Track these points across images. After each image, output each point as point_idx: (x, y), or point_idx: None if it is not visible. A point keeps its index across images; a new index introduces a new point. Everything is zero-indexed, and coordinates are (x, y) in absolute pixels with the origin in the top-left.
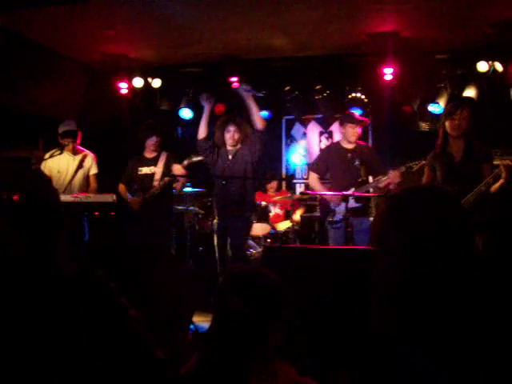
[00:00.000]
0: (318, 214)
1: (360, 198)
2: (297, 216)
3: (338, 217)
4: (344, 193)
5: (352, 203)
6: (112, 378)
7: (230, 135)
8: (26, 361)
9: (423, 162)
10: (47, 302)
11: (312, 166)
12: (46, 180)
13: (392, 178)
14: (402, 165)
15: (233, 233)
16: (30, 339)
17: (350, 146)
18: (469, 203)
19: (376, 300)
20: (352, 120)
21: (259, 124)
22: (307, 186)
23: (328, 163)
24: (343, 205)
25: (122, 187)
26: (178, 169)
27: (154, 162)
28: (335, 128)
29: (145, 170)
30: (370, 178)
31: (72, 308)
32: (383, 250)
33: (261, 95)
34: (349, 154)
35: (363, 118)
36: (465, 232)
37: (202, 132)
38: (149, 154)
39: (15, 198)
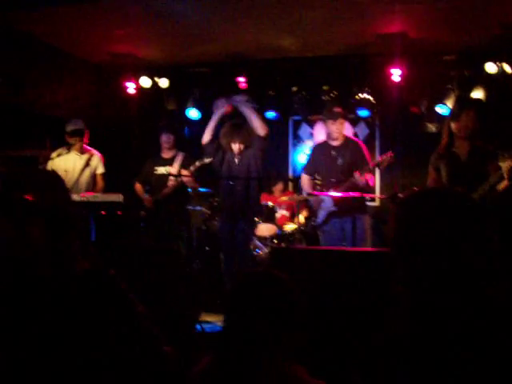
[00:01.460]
0: None
1: (336, 200)
2: (302, 217)
3: (319, 220)
4: (350, 194)
5: (330, 206)
6: (121, 374)
7: (237, 147)
8: (36, 354)
9: (389, 156)
10: (57, 299)
11: (303, 167)
12: (60, 180)
13: (356, 180)
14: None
15: (238, 234)
16: (39, 336)
17: (335, 143)
18: None
19: (393, 300)
20: (331, 115)
21: (259, 131)
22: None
23: (315, 163)
24: (324, 207)
25: (138, 186)
26: (187, 180)
27: (170, 162)
28: (317, 129)
29: (161, 169)
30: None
31: (81, 304)
32: (397, 253)
33: (251, 108)
34: (333, 152)
35: (341, 111)
36: (479, 231)
37: (206, 136)
38: (165, 154)
39: (28, 197)
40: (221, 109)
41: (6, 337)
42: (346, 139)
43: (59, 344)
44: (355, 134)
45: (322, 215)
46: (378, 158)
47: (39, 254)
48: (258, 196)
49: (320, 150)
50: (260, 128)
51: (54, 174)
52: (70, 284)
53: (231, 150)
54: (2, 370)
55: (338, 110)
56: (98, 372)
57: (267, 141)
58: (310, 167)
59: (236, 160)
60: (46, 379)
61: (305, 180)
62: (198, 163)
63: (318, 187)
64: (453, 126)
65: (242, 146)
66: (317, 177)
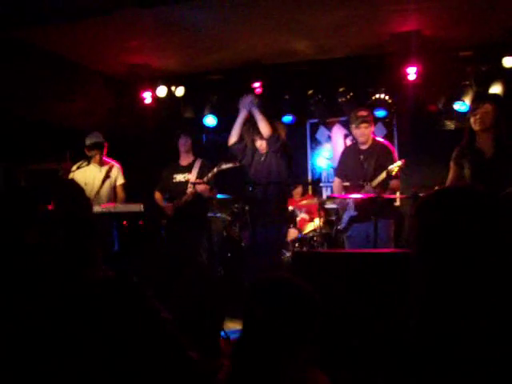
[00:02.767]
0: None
1: (357, 205)
2: (318, 220)
3: (343, 225)
4: (371, 194)
5: (351, 211)
6: (147, 380)
7: (258, 143)
8: (56, 362)
9: (400, 164)
10: (80, 305)
11: (335, 171)
12: (79, 190)
13: (367, 191)
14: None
15: (264, 240)
16: (64, 343)
17: (363, 147)
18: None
19: (413, 303)
20: (353, 120)
21: (263, 132)
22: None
23: (345, 166)
24: (347, 212)
25: (157, 194)
26: (201, 190)
27: (188, 169)
28: (335, 132)
29: (179, 177)
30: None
31: (105, 311)
32: (418, 254)
33: (256, 108)
34: (361, 156)
35: (364, 114)
36: (504, 231)
37: (233, 136)
38: (184, 162)
39: (50, 207)
40: (245, 109)
41: (29, 344)
42: (374, 143)
43: (82, 351)
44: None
45: (344, 220)
46: (389, 167)
47: (61, 260)
48: (279, 200)
49: (349, 153)
50: (263, 129)
51: (74, 184)
52: (93, 291)
53: (257, 148)
54: (23, 375)
55: (361, 113)
56: (124, 379)
57: (278, 142)
58: (340, 171)
59: (262, 159)
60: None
61: (336, 184)
62: (216, 169)
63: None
64: (471, 121)
65: (264, 143)
66: (345, 181)
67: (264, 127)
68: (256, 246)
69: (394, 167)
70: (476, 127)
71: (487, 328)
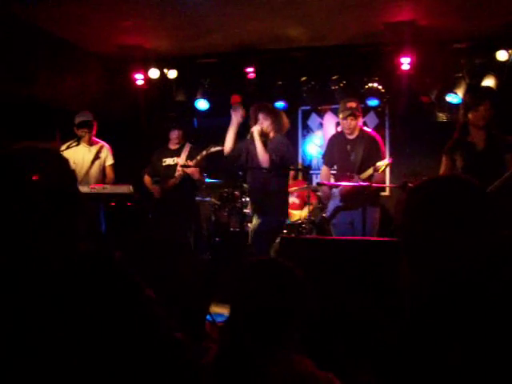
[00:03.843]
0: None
1: (343, 196)
2: (310, 208)
3: (328, 213)
4: (360, 183)
5: (337, 202)
6: (129, 359)
7: (261, 123)
8: (42, 341)
9: (388, 162)
10: (62, 281)
11: (322, 158)
12: (64, 161)
13: (355, 182)
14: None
15: (258, 227)
16: (43, 320)
17: (350, 137)
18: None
19: (403, 293)
20: (342, 111)
21: (261, 161)
22: None
23: (331, 154)
24: (332, 201)
25: (146, 178)
26: (191, 172)
27: (177, 152)
28: (327, 119)
29: (168, 160)
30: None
31: (88, 288)
32: (405, 241)
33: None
34: (348, 146)
35: (353, 105)
36: (492, 220)
37: (228, 145)
38: (173, 146)
39: (34, 177)
40: (237, 115)
41: (8, 323)
42: (362, 133)
43: (63, 330)
44: (364, 123)
45: (330, 208)
46: (377, 164)
47: (42, 232)
48: (277, 190)
49: (335, 141)
50: (261, 160)
51: (58, 155)
52: (74, 266)
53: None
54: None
55: (351, 104)
56: (107, 360)
57: (278, 164)
58: (327, 158)
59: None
60: (51, 370)
61: (324, 172)
62: (205, 152)
63: (334, 179)
64: (471, 116)
65: (265, 123)
66: (333, 169)
67: (262, 158)
68: (252, 233)
69: (382, 165)
70: (480, 123)
71: (477, 319)
